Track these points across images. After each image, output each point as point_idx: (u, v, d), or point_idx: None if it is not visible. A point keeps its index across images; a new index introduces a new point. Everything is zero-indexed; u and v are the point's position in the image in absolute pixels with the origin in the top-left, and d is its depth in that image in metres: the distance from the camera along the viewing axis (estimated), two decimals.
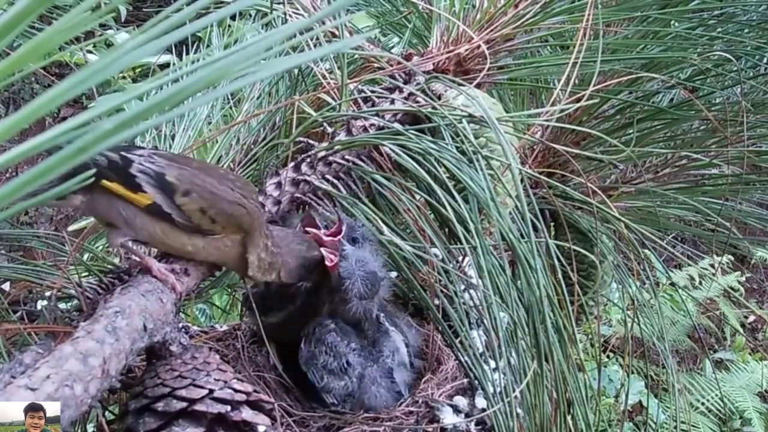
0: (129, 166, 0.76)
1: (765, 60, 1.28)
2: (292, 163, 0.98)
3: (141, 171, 0.76)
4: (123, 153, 0.77)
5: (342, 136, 1.00)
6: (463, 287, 0.91)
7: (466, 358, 0.90)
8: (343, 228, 0.89)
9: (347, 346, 0.89)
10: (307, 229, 0.90)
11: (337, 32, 1.10)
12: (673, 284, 1.53)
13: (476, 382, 0.90)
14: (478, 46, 1.07)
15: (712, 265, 2.43)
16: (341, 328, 0.90)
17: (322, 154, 0.98)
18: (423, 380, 0.94)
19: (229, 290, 1.37)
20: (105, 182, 0.76)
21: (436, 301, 0.92)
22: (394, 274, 0.99)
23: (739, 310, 3.46)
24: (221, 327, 1.05)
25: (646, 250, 1.12)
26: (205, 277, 0.90)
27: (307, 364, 0.89)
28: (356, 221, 0.92)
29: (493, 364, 0.87)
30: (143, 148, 0.84)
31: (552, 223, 1.23)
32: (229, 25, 1.56)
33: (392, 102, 1.03)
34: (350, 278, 0.87)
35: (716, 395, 2.87)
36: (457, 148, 0.93)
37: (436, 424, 0.88)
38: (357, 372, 0.88)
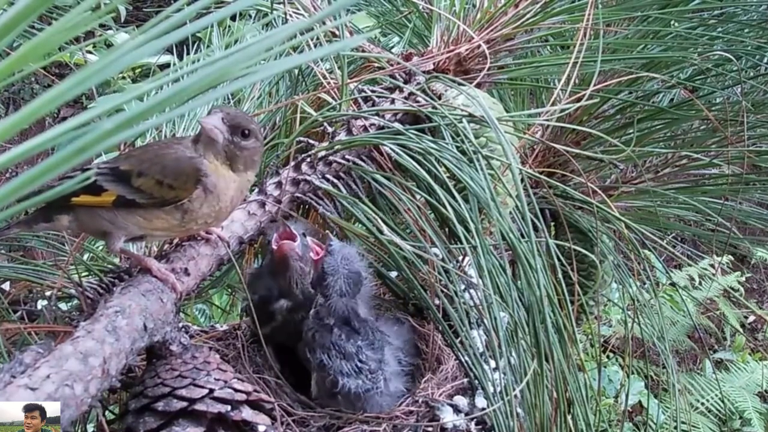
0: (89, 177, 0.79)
1: (765, 60, 1.28)
2: (293, 163, 0.98)
3: (99, 174, 0.80)
4: (82, 168, 0.82)
5: (342, 136, 1.00)
6: (463, 287, 0.91)
7: (466, 358, 0.90)
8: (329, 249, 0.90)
9: (354, 344, 0.88)
10: (284, 242, 0.91)
11: (337, 32, 1.10)
12: (673, 284, 1.53)
13: (476, 381, 0.89)
14: (479, 46, 1.07)
15: (712, 265, 2.43)
16: (341, 328, 0.89)
17: (323, 153, 0.98)
18: (423, 380, 0.94)
19: (229, 290, 1.37)
20: (74, 199, 0.79)
21: (437, 301, 0.92)
22: (394, 274, 0.99)
23: (739, 310, 3.45)
24: (221, 327, 1.05)
25: (646, 250, 1.12)
26: (205, 276, 0.90)
27: (322, 371, 0.88)
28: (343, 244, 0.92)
29: (493, 363, 0.87)
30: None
31: (552, 223, 1.23)
32: (229, 26, 1.55)
33: (392, 102, 1.03)
34: (334, 274, 0.88)
35: (716, 395, 2.87)
36: (457, 147, 0.93)
37: (436, 424, 0.88)
38: (371, 366, 0.87)
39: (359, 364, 0.87)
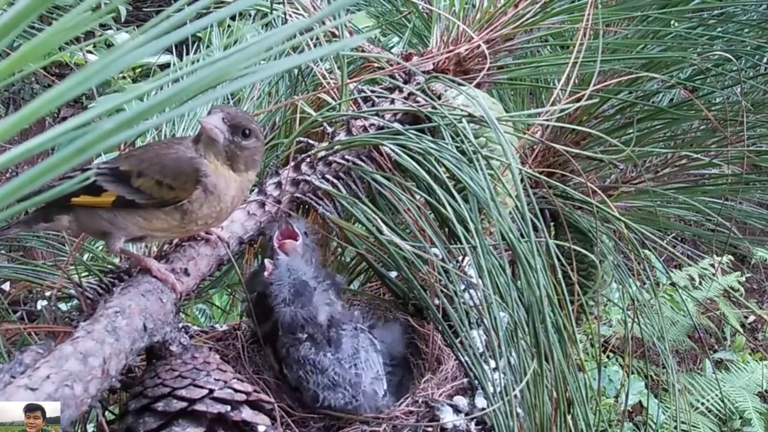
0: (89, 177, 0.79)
1: (765, 60, 1.28)
2: (292, 163, 0.98)
3: (98, 174, 0.80)
4: (82, 168, 0.82)
5: (342, 136, 1.00)
6: (463, 287, 0.91)
7: (466, 358, 0.90)
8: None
9: (325, 356, 0.88)
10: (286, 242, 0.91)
11: (337, 32, 1.10)
12: (673, 284, 1.53)
13: (476, 381, 0.89)
14: (478, 46, 1.07)
15: (712, 265, 2.43)
16: (314, 339, 0.89)
17: (322, 153, 0.98)
18: (423, 380, 0.94)
19: (229, 290, 1.37)
20: (74, 199, 0.79)
21: (436, 301, 0.92)
22: (394, 274, 0.99)
23: (739, 310, 3.45)
24: (221, 327, 1.05)
25: (646, 250, 1.12)
26: (205, 276, 0.90)
27: (300, 385, 0.88)
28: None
29: (493, 363, 0.87)
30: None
31: (552, 223, 1.23)
32: (229, 25, 1.56)
33: (392, 102, 1.03)
34: (278, 283, 0.89)
35: (716, 395, 2.87)
36: (457, 147, 0.93)
37: (436, 424, 0.88)
38: (347, 376, 0.87)
39: (335, 377, 0.87)
